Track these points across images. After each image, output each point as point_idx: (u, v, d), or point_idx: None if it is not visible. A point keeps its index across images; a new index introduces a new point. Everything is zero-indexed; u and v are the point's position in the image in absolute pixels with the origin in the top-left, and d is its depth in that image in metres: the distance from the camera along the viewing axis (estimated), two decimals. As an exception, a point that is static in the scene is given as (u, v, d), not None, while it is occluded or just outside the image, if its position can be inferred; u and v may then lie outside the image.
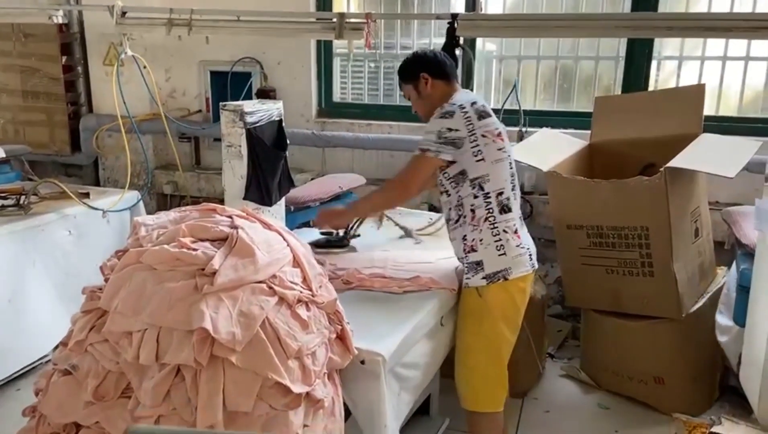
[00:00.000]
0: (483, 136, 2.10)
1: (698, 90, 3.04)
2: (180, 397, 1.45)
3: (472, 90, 3.72)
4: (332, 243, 2.64)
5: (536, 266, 2.25)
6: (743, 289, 2.40)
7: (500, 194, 2.14)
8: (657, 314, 2.85)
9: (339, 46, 4.16)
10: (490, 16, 3.56)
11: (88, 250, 3.25)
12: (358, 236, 2.73)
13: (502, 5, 3.87)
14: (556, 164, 2.96)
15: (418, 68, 2.28)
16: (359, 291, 2.19)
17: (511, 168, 2.21)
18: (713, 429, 2.06)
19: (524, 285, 2.22)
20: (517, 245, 2.16)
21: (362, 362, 1.78)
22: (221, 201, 3.53)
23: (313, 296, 1.65)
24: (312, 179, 3.95)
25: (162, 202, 4.56)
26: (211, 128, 4.18)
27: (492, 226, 2.13)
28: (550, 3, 3.77)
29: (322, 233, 2.67)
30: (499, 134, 2.15)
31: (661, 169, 2.63)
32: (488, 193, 2.12)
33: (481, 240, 2.14)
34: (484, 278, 2.14)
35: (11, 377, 3.07)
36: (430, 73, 2.26)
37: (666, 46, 3.67)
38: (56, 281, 3.12)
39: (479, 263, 2.14)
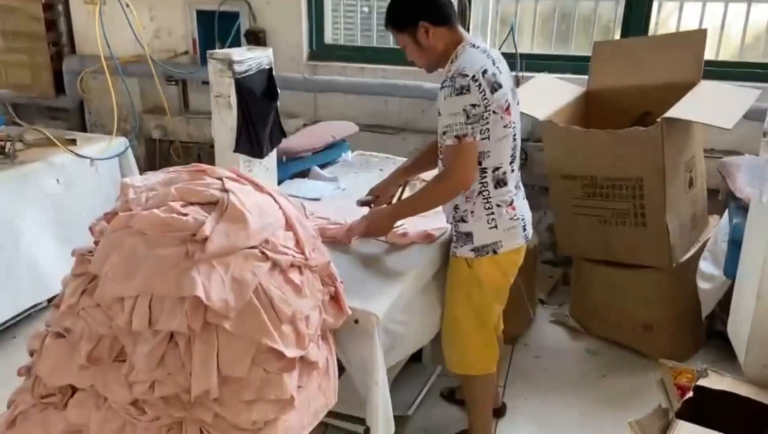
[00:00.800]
0: (494, 112, 1.91)
1: (699, 36, 2.96)
2: (174, 362, 1.46)
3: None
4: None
5: (530, 236, 2.16)
6: (735, 243, 2.41)
7: (497, 169, 2.00)
8: (648, 263, 2.88)
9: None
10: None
11: (77, 198, 3.21)
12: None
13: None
14: (552, 113, 2.91)
15: (416, 15, 1.97)
16: (352, 250, 2.17)
17: (515, 141, 2.04)
18: (699, 383, 2.11)
19: (516, 257, 2.15)
20: (511, 218, 2.05)
21: (356, 321, 1.79)
22: (211, 147, 3.47)
23: (306, 259, 1.64)
24: (304, 125, 3.89)
25: (151, 147, 4.49)
26: (199, 71, 4.06)
27: (485, 200, 2.02)
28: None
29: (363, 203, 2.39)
30: (507, 108, 1.96)
31: (658, 120, 2.59)
32: (485, 168, 1.98)
33: (472, 212, 2.03)
34: (472, 250, 2.05)
35: (6, 325, 3.10)
36: (431, 20, 1.96)
37: (668, -13, 3.55)
38: (46, 229, 3.09)
39: (468, 235, 2.04)
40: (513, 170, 2.07)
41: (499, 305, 2.23)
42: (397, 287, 1.94)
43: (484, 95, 1.87)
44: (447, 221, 2.16)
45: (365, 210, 2.28)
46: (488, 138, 1.94)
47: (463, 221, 2.05)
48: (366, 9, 4.08)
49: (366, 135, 3.75)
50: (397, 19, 2.04)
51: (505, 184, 2.03)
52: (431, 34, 1.98)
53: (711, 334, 3.09)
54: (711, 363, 2.69)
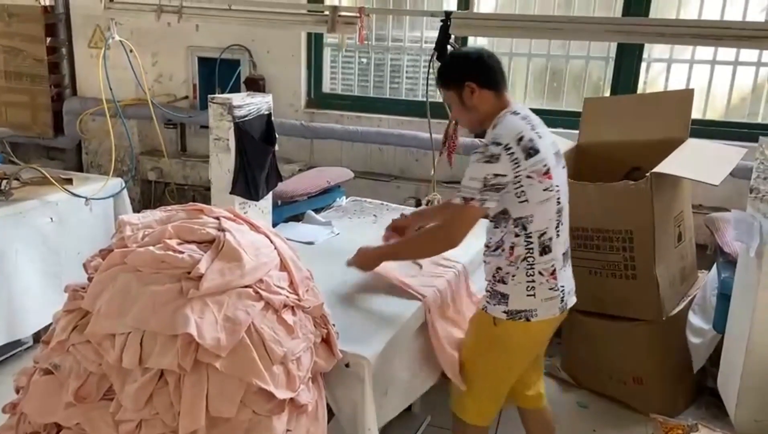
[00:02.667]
0: (528, 177, 1.89)
1: (686, 95, 3.06)
2: (163, 402, 1.44)
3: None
4: None
5: (567, 307, 2.08)
6: (724, 297, 2.44)
7: (543, 234, 1.95)
8: (638, 316, 2.89)
9: (329, 36, 4.12)
10: (483, 15, 3.54)
11: (70, 238, 3.21)
12: None
13: (494, 4, 3.86)
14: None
15: (464, 75, 2.00)
16: (345, 294, 2.17)
17: (559, 204, 1.99)
18: (690, 436, 2.10)
19: (548, 328, 2.08)
20: (551, 288, 1.98)
21: (347, 365, 1.78)
22: (207, 189, 3.49)
23: (299, 300, 1.64)
24: (300, 171, 3.94)
25: (146, 189, 4.53)
26: (198, 116, 4.14)
27: (529, 266, 1.96)
28: (543, 2, 3.76)
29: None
30: (546, 172, 1.92)
31: (647, 174, 2.65)
32: (530, 233, 1.94)
33: (513, 276, 1.97)
34: (505, 312, 1.99)
35: (-9, 364, 3.05)
36: (478, 82, 1.98)
37: (656, 49, 3.68)
38: (37, 268, 3.07)
39: (504, 296, 1.99)
40: (558, 236, 2.00)
41: (519, 370, 2.14)
42: (390, 332, 1.94)
43: (516, 163, 1.87)
44: (486, 278, 2.09)
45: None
46: (527, 201, 1.91)
47: (503, 282, 2.00)
48: (364, 60, 4.19)
49: (361, 182, 3.81)
50: (446, 76, 2.08)
51: (550, 251, 1.97)
52: (476, 96, 2.00)
53: (701, 389, 3.07)
54: (701, 418, 2.68)
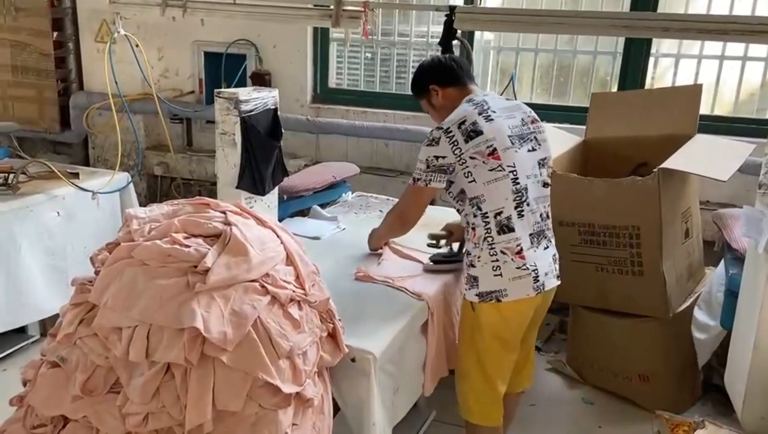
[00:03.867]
0: (471, 158, 1.97)
1: (695, 90, 3.04)
2: (169, 395, 1.45)
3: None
4: (449, 259, 2.47)
5: (546, 288, 2.08)
6: (731, 293, 2.42)
7: (499, 213, 1.99)
8: (644, 313, 2.87)
9: (336, 30, 4.11)
10: (488, 9, 3.53)
11: (76, 232, 3.22)
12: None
13: (500, -3, 3.85)
14: (550, 160, 2.96)
15: (426, 80, 2.19)
16: (351, 289, 2.17)
17: (517, 184, 2.01)
18: (696, 433, 2.09)
19: (523, 308, 2.08)
20: (518, 267, 2.01)
21: (353, 360, 1.79)
22: (213, 184, 3.48)
23: (305, 295, 1.64)
24: (305, 166, 3.94)
25: (152, 183, 4.53)
26: (204, 111, 4.14)
27: (490, 246, 2.01)
28: (550, -3, 3.75)
29: (435, 260, 2.46)
30: (491, 153, 1.97)
31: (655, 170, 2.64)
32: (486, 213, 2.00)
33: (479, 257, 2.03)
34: (477, 295, 2.04)
35: (-3, 357, 3.07)
36: (438, 82, 2.16)
37: (664, 44, 3.66)
38: (44, 262, 3.09)
39: (475, 279, 2.05)
40: (521, 216, 2.02)
41: (505, 354, 2.14)
42: (396, 327, 1.94)
43: (455, 145, 1.98)
44: (465, 264, 2.15)
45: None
46: (474, 181, 1.99)
47: (473, 265, 2.06)
48: (369, 55, 4.18)
49: (367, 177, 3.80)
50: (415, 87, 2.27)
51: (511, 230, 2.00)
52: (440, 95, 2.17)
53: (708, 386, 3.06)
54: (708, 415, 2.67)
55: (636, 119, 3.13)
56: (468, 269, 2.09)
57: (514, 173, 2.01)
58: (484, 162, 1.98)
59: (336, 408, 1.83)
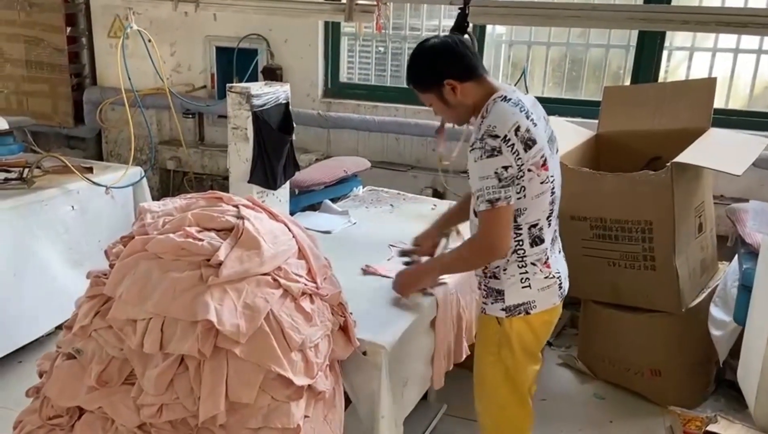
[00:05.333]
0: (529, 170, 1.77)
1: (709, 84, 3.02)
2: (183, 387, 1.46)
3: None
4: None
5: (565, 293, 1.98)
6: (745, 288, 2.41)
7: (533, 226, 1.84)
8: (657, 308, 2.86)
9: (347, 25, 4.11)
10: (502, 2, 3.51)
11: (91, 225, 3.25)
12: None
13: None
14: (561, 154, 2.94)
15: (440, 74, 1.83)
16: (362, 283, 2.18)
17: (553, 194, 1.87)
18: (709, 428, 2.08)
19: (549, 317, 1.96)
20: (546, 277, 1.89)
21: (364, 353, 1.79)
22: (224, 178, 3.48)
23: (317, 288, 1.65)
24: (316, 160, 3.95)
25: (165, 177, 4.56)
26: (216, 105, 4.15)
27: (520, 258, 1.86)
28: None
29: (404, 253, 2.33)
30: (544, 163, 1.80)
31: (668, 164, 2.62)
32: (520, 225, 1.83)
33: (505, 270, 1.87)
34: (503, 309, 1.90)
35: (13, 349, 3.10)
36: (456, 77, 1.82)
37: (677, 37, 3.63)
38: (59, 256, 3.12)
39: (500, 292, 1.89)
40: (550, 225, 1.90)
41: (533, 367, 2.01)
42: (407, 320, 1.94)
43: (517, 156, 1.74)
44: (475, 274, 2.01)
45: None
46: (524, 196, 1.80)
47: (495, 277, 1.90)
48: (381, 49, 4.18)
49: (377, 171, 3.80)
50: (421, 78, 1.91)
51: (542, 241, 1.87)
52: (459, 92, 1.84)
53: (720, 382, 3.05)
54: (720, 410, 2.67)
55: (649, 113, 3.11)
56: (487, 281, 1.92)
57: (553, 182, 1.87)
58: (537, 175, 1.78)
59: (347, 401, 1.84)
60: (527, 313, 1.89)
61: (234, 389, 1.46)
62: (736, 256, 2.80)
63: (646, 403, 2.95)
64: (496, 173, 1.72)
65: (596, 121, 3.28)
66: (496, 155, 1.71)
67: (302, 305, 1.59)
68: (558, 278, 1.93)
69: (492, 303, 1.92)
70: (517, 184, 1.77)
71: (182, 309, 1.47)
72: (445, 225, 2.28)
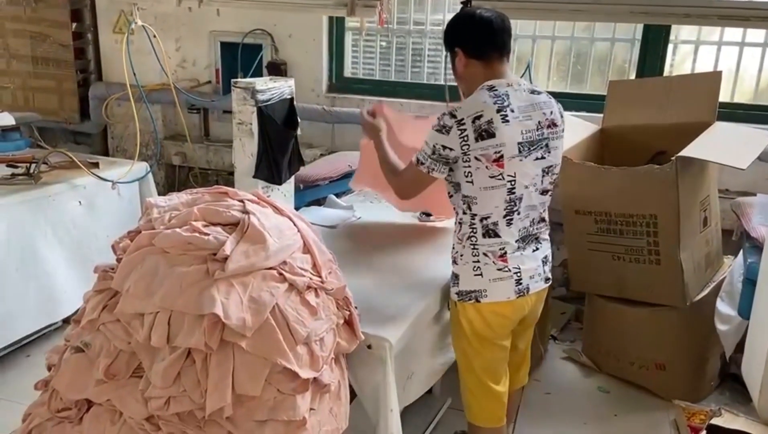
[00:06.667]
0: (476, 159, 1.83)
1: (714, 78, 3.01)
2: (190, 379, 1.47)
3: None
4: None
5: (530, 292, 1.99)
6: (750, 282, 2.41)
7: (486, 218, 1.90)
8: (661, 302, 2.87)
9: (351, 20, 4.11)
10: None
11: (98, 220, 3.27)
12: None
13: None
14: (566, 149, 2.94)
15: (453, 40, 1.95)
16: (367, 277, 2.19)
17: (512, 194, 1.88)
18: (713, 421, 2.09)
19: (504, 311, 1.99)
20: (499, 269, 1.93)
21: (369, 346, 1.80)
22: (230, 173, 3.49)
23: (322, 282, 1.66)
24: (321, 156, 3.95)
25: (170, 173, 4.58)
26: (221, 101, 4.16)
27: (473, 246, 1.94)
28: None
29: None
30: (497, 160, 1.83)
31: (673, 158, 2.62)
32: (474, 214, 1.91)
33: (461, 255, 1.97)
34: (457, 293, 2.00)
35: (20, 343, 3.13)
36: (465, 50, 1.92)
37: (683, 30, 3.61)
38: (66, 250, 3.14)
39: (457, 277, 2.00)
40: (510, 225, 1.92)
41: (489, 353, 2.04)
42: (412, 314, 1.95)
43: (465, 141, 1.82)
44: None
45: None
46: (472, 183, 1.88)
47: (455, 262, 2.01)
48: (384, 44, 4.18)
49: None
50: (445, 36, 2.03)
51: (497, 235, 1.92)
52: (463, 64, 1.94)
53: (725, 376, 3.05)
54: (725, 404, 2.67)
55: (654, 107, 3.10)
56: (452, 265, 2.03)
57: (513, 182, 1.88)
58: (487, 167, 1.84)
59: (353, 394, 1.85)
60: (477, 301, 1.96)
61: (240, 382, 1.48)
62: (742, 250, 2.80)
63: (651, 397, 2.96)
64: (434, 146, 1.87)
65: (601, 115, 3.27)
66: (443, 133, 1.85)
67: (307, 299, 1.60)
68: (516, 274, 1.95)
69: (452, 286, 2.03)
70: (465, 167, 1.86)
71: (189, 303, 1.48)
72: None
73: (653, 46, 3.60)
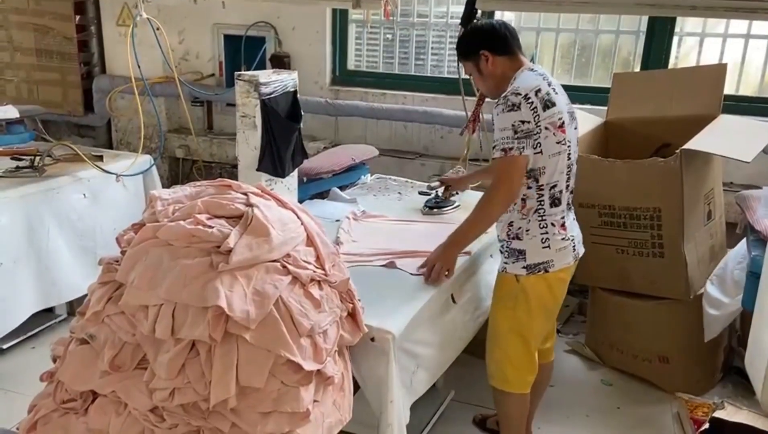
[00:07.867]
0: (546, 128, 2.00)
1: (719, 70, 2.99)
2: (194, 371, 1.48)
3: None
4: (440, 204, 2.79)
5: (579, 255, 2.23)
6: (754, 275, 2.40)
7: (553, 186, 2.07)
8: (665, 295, 2.87)
9: (355, 12, 4.10)
10: (510, -13, 3.49)
11: (102, 213, 3.28)
12: (456, 194, 2.84)
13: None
14: (570, 142, 2.94)
15: (477, 45, 2.14)
16: (370, 269, 2.20)
17: (569, 159, 2.10)
18: (715, 414, 2.09)
19: (564, 276, 2.19)
20: (563, 238, 2.12)
21: (372, 339, 1.81)
22: (233, 166, 3.48)
23: (326, 275, 1.67)
24: (324, 148, 3.95)
25: (174, 166, 4.59)
26: (224, 94, 4.16)
27: (540, 218, 2.09)
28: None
29: (429, 204, 2.81)
30: (561, 125, 2.03)
31: (677, 151, 2.61)
32: (542, 185, 2.06)
33: (527, 230, 2.10)
34: (524, 268, 2.12)
35: (26, 336, 3.15)
36: (491, 49, 2.12)
37: (688, 23, 3.60)
38: (71, 243, 3.16)
39: (521, 252, 2.12)
40: (567, 190, 2.13)
41: (543, 323, 2.25)
42: (415, 307, 1.96)
43: (535, 112, 1.98)
44: (499, 238, 2.20)
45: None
46: (541, 153, 2.02)
47: (518, 238, 2.12)
48: (389, 36, 4.17)
49: (386, 159, 3.81)
50: (463, 48, 2.23)
51: (560, 203, 2.10)
52: (491, 62, 2.13)
53: (728, 368, 3.05)
54: (728, 397, 2.67)
55: (659, 100, 3.09)
56: (510, 243, 2.14)
57: (570, 148, 2.09)
58: (554, 134, 2.01)
59: (356, 386, 1.86)
60: (546, 271, 2.12)
61: (244, 374, 1.48)
62: (744, 240, 2.80)
63: (654, 390, 2.96)
64: (513, 125, 1.97)
65: (605, 108, 3.27)
66: (516, 110, 1.97)
67: (311, 291, 1.61)
68: (572, 241, 2.16)
69: (512, 263, 2.15)
70: (535, 139, 1.99)
71: (193, 295, 1.49)
72: (483, 175, 2.72)
73: (658, 39, 3.59)
